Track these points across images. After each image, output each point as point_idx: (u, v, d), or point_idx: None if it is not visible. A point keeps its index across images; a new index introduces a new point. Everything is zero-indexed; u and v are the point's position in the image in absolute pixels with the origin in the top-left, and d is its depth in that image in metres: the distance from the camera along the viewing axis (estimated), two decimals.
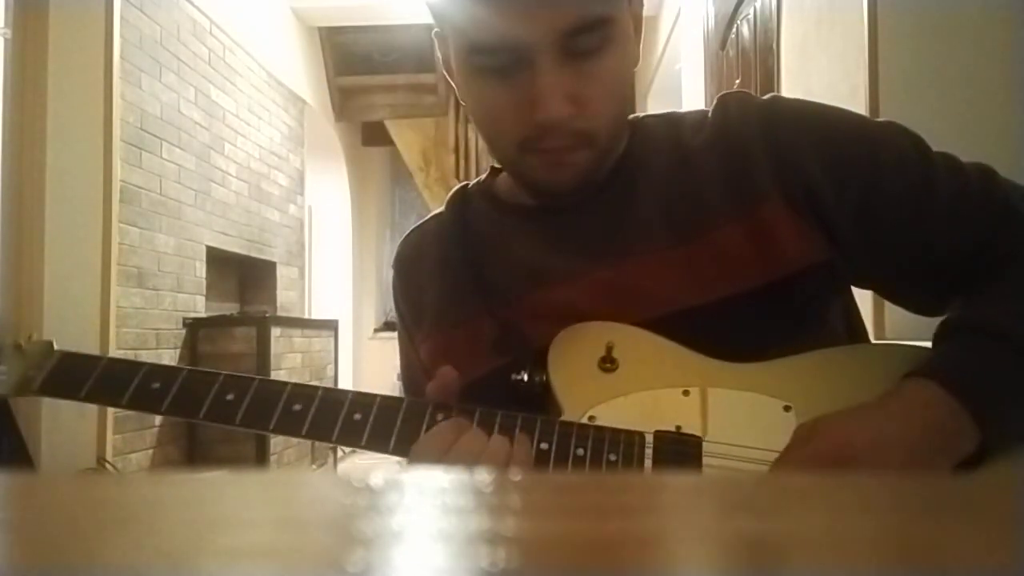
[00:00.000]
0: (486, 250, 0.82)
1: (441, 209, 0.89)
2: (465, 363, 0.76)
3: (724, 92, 0.81)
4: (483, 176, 0.89)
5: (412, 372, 0.87)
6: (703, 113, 0.80)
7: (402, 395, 0.76)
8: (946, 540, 0.18)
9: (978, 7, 1.77)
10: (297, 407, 0.69)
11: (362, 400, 0.70)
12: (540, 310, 0.76)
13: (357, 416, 0.69)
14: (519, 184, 0.78)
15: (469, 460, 0.65)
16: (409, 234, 0.92)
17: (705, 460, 0.67)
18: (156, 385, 0.71)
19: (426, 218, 0.92)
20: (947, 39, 1.82)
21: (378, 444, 0.68)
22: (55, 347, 0.76)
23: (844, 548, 0.17)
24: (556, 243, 0.78)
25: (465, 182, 0.90)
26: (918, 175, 0.72)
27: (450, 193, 0.90)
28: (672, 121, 0.81)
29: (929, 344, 0.70)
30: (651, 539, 0.18)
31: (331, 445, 4.26)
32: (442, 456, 0.65)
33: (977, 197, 0.71)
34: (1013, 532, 0.19)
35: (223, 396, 0.70)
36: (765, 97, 0.79)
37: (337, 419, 0.69)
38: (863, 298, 0.83)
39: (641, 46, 0.77)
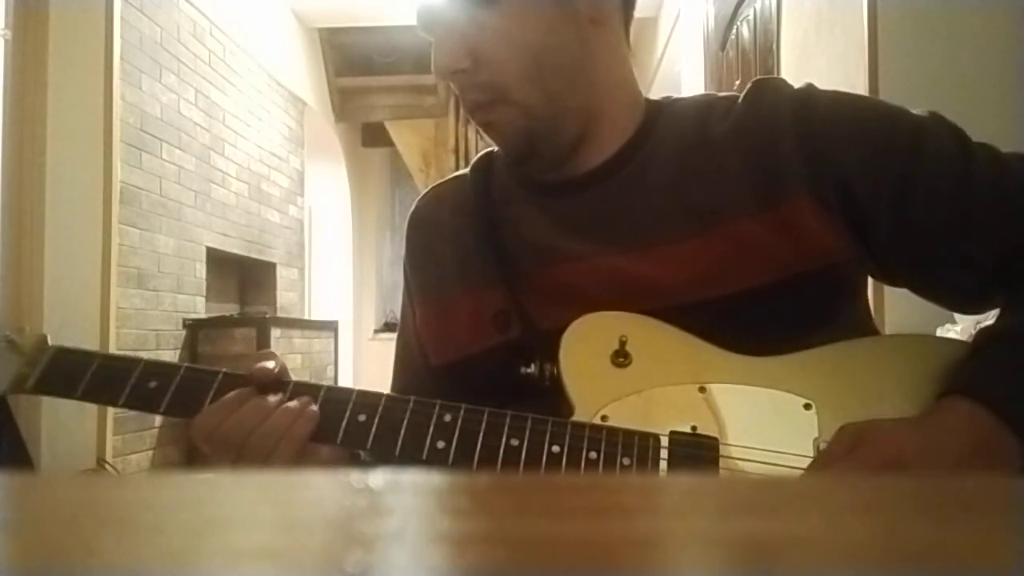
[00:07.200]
0: (501, 221, 0.79)
1: (464, 171, 0.87)
2: (464, 335, 0.75)
3: (759, 77, 0.78)
4: None
5: (406, 335, 0.85)
6: (734, 98, 0.77)
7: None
8: (946, 540, 0.18)
9: (978, 7, 1.78)
10: None
11: (367, 400, 0.68)
12: (546, 289, 0.74)
13: (362, 417, 0.67)
14: None
15: (249, 430, 0.65)
16: (426, 193, 0.89)
17: (722, 462, 0.64)
18: (153, 384, 0.69)
19: (446, 179, 0.89)
20: (947, 39, 1.82)
21: (384, 447, 0.66)
22: (49, 342, 0.72)
23: (844, 548, 0.17)
24: (565, 222, 0.76)
25: (492, 148, 0.85)
26: (958, 170, 0.69)
27: (476, 156, 0.87)
28: (703, 105, 0.78)
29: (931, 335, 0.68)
30: (649, 540, 0.18)
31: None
32: (221, 426, 0.65)
33: (1020, 192, 0.68)
34: (1013, 532, 0.19)
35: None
36: (800, 86, 0.76)
37: (342, 420, 0.67)
38: None
39: (611, 28, 0.76)
